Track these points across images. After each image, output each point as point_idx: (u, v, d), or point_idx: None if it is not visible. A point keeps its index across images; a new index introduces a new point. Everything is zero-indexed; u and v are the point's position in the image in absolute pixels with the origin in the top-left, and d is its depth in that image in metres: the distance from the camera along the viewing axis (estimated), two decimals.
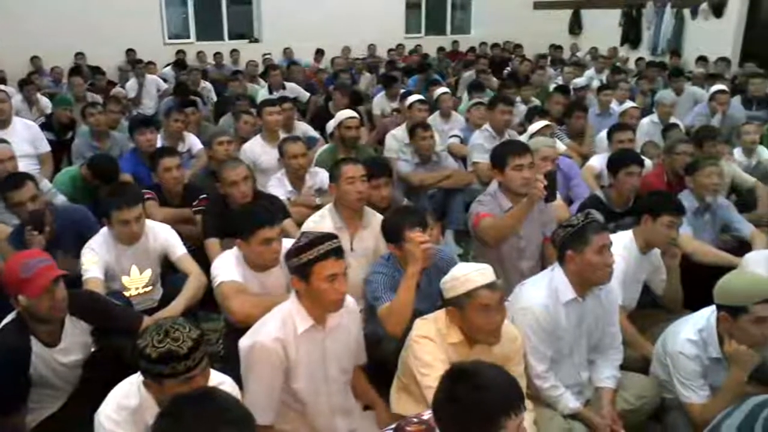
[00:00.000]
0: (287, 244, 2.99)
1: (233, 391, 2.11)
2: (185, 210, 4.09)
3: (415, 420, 1.85)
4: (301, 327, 2.37)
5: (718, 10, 10.99)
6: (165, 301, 3.30)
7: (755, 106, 7.16)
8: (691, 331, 2.59)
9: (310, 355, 2.41)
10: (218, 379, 2.09)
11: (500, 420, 1.60)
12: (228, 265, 2.92)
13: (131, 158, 4.93)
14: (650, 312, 3.32)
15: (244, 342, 2.38)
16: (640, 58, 11.38)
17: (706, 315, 2.61)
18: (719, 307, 2.50)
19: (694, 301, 2.94)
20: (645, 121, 6.12)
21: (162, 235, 3.44)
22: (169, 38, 12.35)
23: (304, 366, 2.40)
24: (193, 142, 5.50)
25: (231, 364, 2.58)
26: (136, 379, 2.02)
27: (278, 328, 2.35)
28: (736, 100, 7.10)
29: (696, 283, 2.95)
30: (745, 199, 4.66)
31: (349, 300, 2.53)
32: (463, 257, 4.30)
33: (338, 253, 2.34)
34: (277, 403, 2.40)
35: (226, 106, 7.08)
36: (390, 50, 13.00)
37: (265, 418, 2.33)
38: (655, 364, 2.81)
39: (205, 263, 3.33)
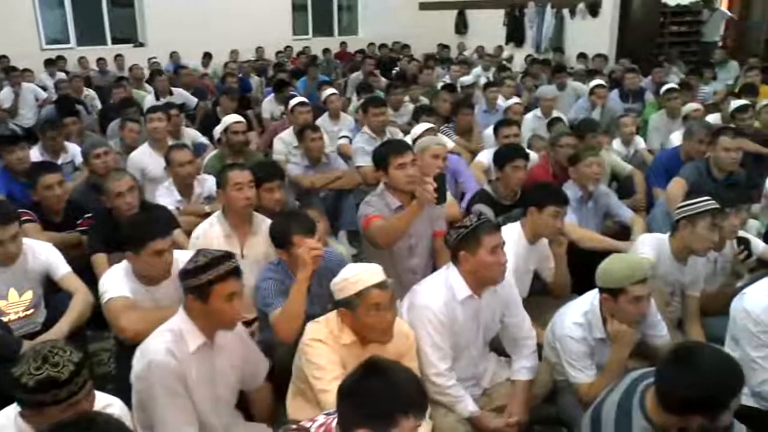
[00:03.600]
0: (177, 255, 2.93)
1: (121, 413, 2.03)
2: (72, 235, 3.84)
3: (293, 427, 1.86)
4: (192, 345, 2.31)
5: (593, 10, 11.61)
6: (50, 324, 3.10)
7: (631, 99, 7.63)
8: (576, 314, 2.72)
9: (201, 374, 2.35)
10: (105, 402, 2.00)
11: (396, 417, 1.61)
12: (116, 281, 2.80)
13: (3, 176, 4.57)
14: (541, 299, 3.44)
15: (137, 367, 2.28)
16: (528, 56, 11.85)
17: (590, 298, 2.74)
18: (601, 290, 2.64)
19: (582, 286, 3.05)
20: (529, 116, 6.36)
21: (42, 254, 3.22)
22: (47, 43, 11.71)
23: (197, 385, 2.34)
24: (75, 152, 5.22)
25: (124, 384, 2.48)
26: (12, 410, 1.88)
27: (169, 342, 2.27)
28: (614, 94, 7.53)
29: (583, 269, 3.06)
30: (624, 186, 4.94)
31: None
32: (358, 258, 4.32)
33: (237, 273, 2.32)
34: (193, 416, 2.31)
35: (111, 114, 6.77)
36: (278, 52, 12.90)
37: None
38: (546, 348, 2.92)
39: (93, 280, 3.17)
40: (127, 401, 2.39)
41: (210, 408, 2.40)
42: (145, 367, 2.24)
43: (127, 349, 2.65)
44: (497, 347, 3.00)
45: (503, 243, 2.67)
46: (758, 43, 10.80)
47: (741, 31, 12.23)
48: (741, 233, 3.48)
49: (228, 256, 2.34)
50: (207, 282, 2.25)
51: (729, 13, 11.68)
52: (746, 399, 2.64)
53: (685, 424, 1.98)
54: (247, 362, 2.58)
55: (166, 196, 4.21)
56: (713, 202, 3.10)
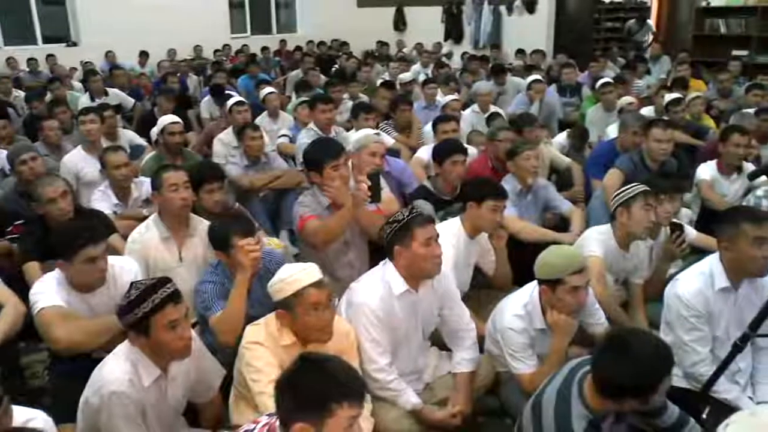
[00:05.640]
0: (115, 261, 2.85)
1: (45, 425, 1.95)
2: (1, 243, 3.69)
3: None
4: (147, 380, 2.23)
5: (530, 6, 11.84)
6: None
7: (569, 93, 7.78)
8: (516, 306, 2.76)
9: (156, 405, 2.29)
10: (27, 416, 1.91)
11: (331, 405, 1.61)
12: (48, 290, 2.69)
13: None
14: (482, 292, 3.48)
15: (93, 398, 2.18)
16: (464, 53, 11.97)
17: (529, 290, 2.78)
18: (540, 281, 2.68)
19: (523, 278, 3.08)
20: (467, 111, 6.42)
21: None
22: None
23: (152, 416, 2.27)
24: (3, 158, 5.01)
25: (59, 397, 2.39)
26: None
27: (129, 371, 2.19)
28: (552, 89, 7.66)
29: (524, 262, 3.09)
30: (562, 179, 5.04)
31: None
32: (300, 257, 4.27)
33: (175, 297, 2.20)
34: None
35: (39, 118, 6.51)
36: (216, 51, 12.69)
37: None
38: (488, 341, 2.96)
39: (25, 290, 3.04)
40: (62, 413, 2.32)
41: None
42: (105, 399, 2.14)
43: (62, 362, 2.61)
44: (439, 342, 3.02)
45: (437, 235, 2.69)
46: (687, 40, 11.18)
47: (670, 27, 12.66)
48: (674, 220, 3.59)
49: (162, 282, 2.22)
50: (143, 315, 2.15)
51: (653, 28, 12.09)
52: (679, 380, 2.73)
53: (620, 409, 2.04)
54: (200, 377, 2.52)
55: (102, 201, 4.09)
56: (643, 185, 3.21)
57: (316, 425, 1.62)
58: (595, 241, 3.22)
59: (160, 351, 2.23)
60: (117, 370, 2.19)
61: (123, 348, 2.27)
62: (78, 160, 4.85)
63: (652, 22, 12.24)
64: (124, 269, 2.87)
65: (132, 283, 2.28)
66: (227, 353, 2.63)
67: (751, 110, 5.56)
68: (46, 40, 12.09)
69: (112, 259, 2.82)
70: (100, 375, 2.22)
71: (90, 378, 2.26)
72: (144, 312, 2.15)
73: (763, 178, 4.24)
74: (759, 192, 4.00)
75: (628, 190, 3.21)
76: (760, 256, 2.57)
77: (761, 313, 2.19)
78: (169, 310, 2.17)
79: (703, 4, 10.95)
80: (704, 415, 2.39)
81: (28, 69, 10.75)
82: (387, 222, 2.76)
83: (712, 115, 6.59)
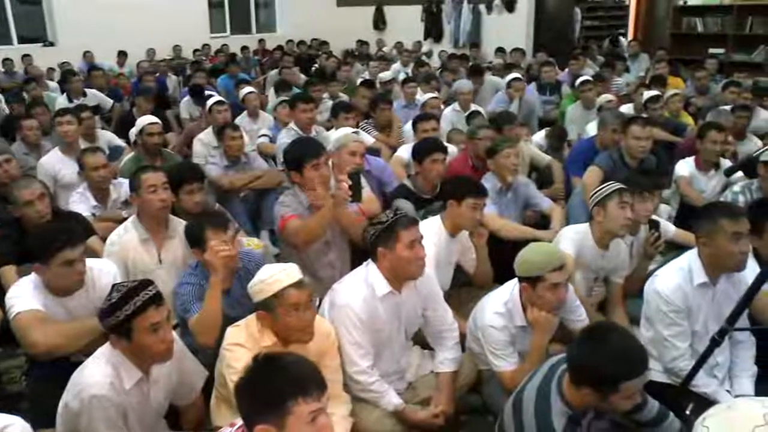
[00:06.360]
0: (93, 264, 2.82)
1: (23, 431, 1.92)
2: None
3: None
4: (128, 383, 2.21)
5: (509, 5, 11.89)
6: None
7: (548, 91, 7.82)
8: (497, 304, 2.76)
9: (138, 409, 2.27)
10: (4, 422, 1.88)
11: (288, 404, 1.59)
12: (25, 293, 2.65)
13: None
14: (463, 290, 3.49)
15: (73, 402, 2.15)
16: (441, 51, 12.00)
17: (510, 288, 2.79)
18: (520, 279, 2.69)
19: (504, 276, 3.08)
20: (448, 110, 6.43)
21: None
22: None
23: (133, 419, 2.25)
24: None
25: (37, 402, 2.36)
26: None
27: (112, 376, 2.16)
28: (532, 87, 7.70)
29: (504, 259, 3.09)
30: (543, 177, 5.06)
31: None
32: (281, 257, 4.26)
33: (157, 300, 2.18)
34: None
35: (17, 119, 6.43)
36: (195, 51, 12.60)
37: None
38: (469, 339, 2.96)
39: (2, 294, 2.99)
40: (41, 418, 2.30)
41: None
42: (85, 403, 2.12)
43: (40, 366, 2.57)
44: (421, 341, 3.02)
45: (421, 237, 2.68)
46: (665, 38, 11.30)
47: (649, 25, 12.78)
48: (653, 217, 3.62)
49: (144, 285, 2.20)
50: (125, 318, 2.13)
51: (627, 39, 12.16)
52: (659, 375, 2.76)
53: (597, 403, 2.05)
54: (182, 379, 2.50)
55: (81, 203, 4.05)
56: (618, 184, 3.22)
57: (276, 425, 1.60)
58: (568, 240, 3.23)
59: (142, 354, 2.21)
60: (97, 373, 2.17)
61: (104, 351, 2.25)
62: (55, 162, 4.80)
63: (623, 39, 12.36)
64: (103, 272, 2.84)
65: (113, 286, 2.26)
66: (208, 354, 2.61)
67: (728, 107, 5.63)
68: (22, 40, 11.93)
69: (90, 262, 2.79)
70: (80, 378, 2.19)
71: (69, 382, 2.23)
72: (126, 315, 2.13)
73: (740, 173, 4.31)
74: (736, 188, 4.05)
75: (603, 189, 3.22)
76: (737, 251, 2.60)
77: (738, 308, 2.22)
78: (150, 313, 2.15)
79: (681, 3, 11.07)
80: (688, 411, 2.41)
81: (3, 70, 10.60)
82: (371, 223, 2.75)
83: (690, 112, 6.67)
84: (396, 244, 2.61)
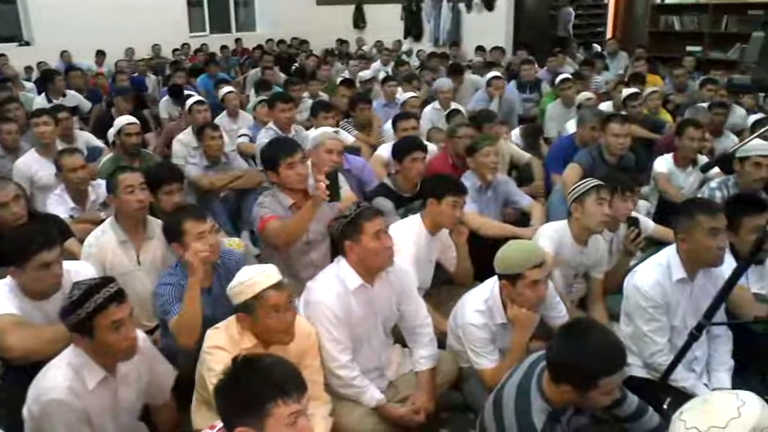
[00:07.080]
0: (71, 266, 2.78)
1: None
2: None
3: None
4: (91, 383, 2.19)
5: (488, 4, 11.94)
6: None
7: (528, 89, 7.86)
8: (477, 302, 2.77)
9: (104, 409, 2.24)
10: None
11: (267, 406, 1.59)
12: (0, 298, 2.60)
13: None
14: (444, 288, 3.50)
15: (33, 407, 2.13)
16: (419, 50, 12.01)
17: (490, 285, 2.80)
18: (500, 276, 2.70)
19: (484, 274, 3.07)
20: (428, 108, 6.44)
21: None
22: None
23: (100, 420, 2.23)
24: None
25: (14, 408, 2.31)
26: None
27: (71, 379, 2.14)
28: (512, 85, 7.73)
29: (485, 257, 3.09)
30: (523, 174, 5.08)
31: (140, 337, 2.37)
32: (261, 258, 4.24)
33: (118, 297, 2.17)
34: None
35: None
36: (175, 50, 12.48)
37: None
38: (450, 337, 2.97)
39: None
40: (16, 424, 2.26)
41: None
42: (44, 407, 2.09)
43: (15, 371, 2.52)
44: (402, 339, 3.01)
45: (386, 227, 2.70)
46: (643, 36, 11.41)
47: (627, 23, 12.89)
48: (632, 213, 3.65)
49: (105, 282, 2.20)
50: (86, 316, 2.11)
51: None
52: (638, 370, 2.78)
53: (577, 399, 2.06)
54: (152, 379, 2.48)
55: (58, 204, 3.99)
56: (595, 180, 3.24)
57: (256, 427, 1.60)
58: (547, 237, 3.24)
59: (105, 352, 2.19)
60: (57, 376, 2.15)
61: (66, 352, 2.23)
62: (31, 163, 4.72)
63: (596, 45, 12.46)
64: (80, 274, 2.78)
65: (74, 284, 2.24)
66: (189, 355, 2.58)
67: (705, 104, 5.69)
68: None
69: (67, 264, 2.75)
70: (39, 383, 2.17)
71: (30, 386, 2.21)
72: (87, 312, 2.11)
73: (716, 170, 4.35)
74: (713, 184, 4.09)
75: (581, 186, 3.23)
76: (714, 246, 2.63)
77: (715, 303, 2.24)
78: (112, 310, 2.13)
79: (658, 1, 11.18)
80: (665, 405, 2.43)
81: None
82: (335, 218, 2.76)
83: (669, 110, 6.74)
84: (361, 236, 2.62)
